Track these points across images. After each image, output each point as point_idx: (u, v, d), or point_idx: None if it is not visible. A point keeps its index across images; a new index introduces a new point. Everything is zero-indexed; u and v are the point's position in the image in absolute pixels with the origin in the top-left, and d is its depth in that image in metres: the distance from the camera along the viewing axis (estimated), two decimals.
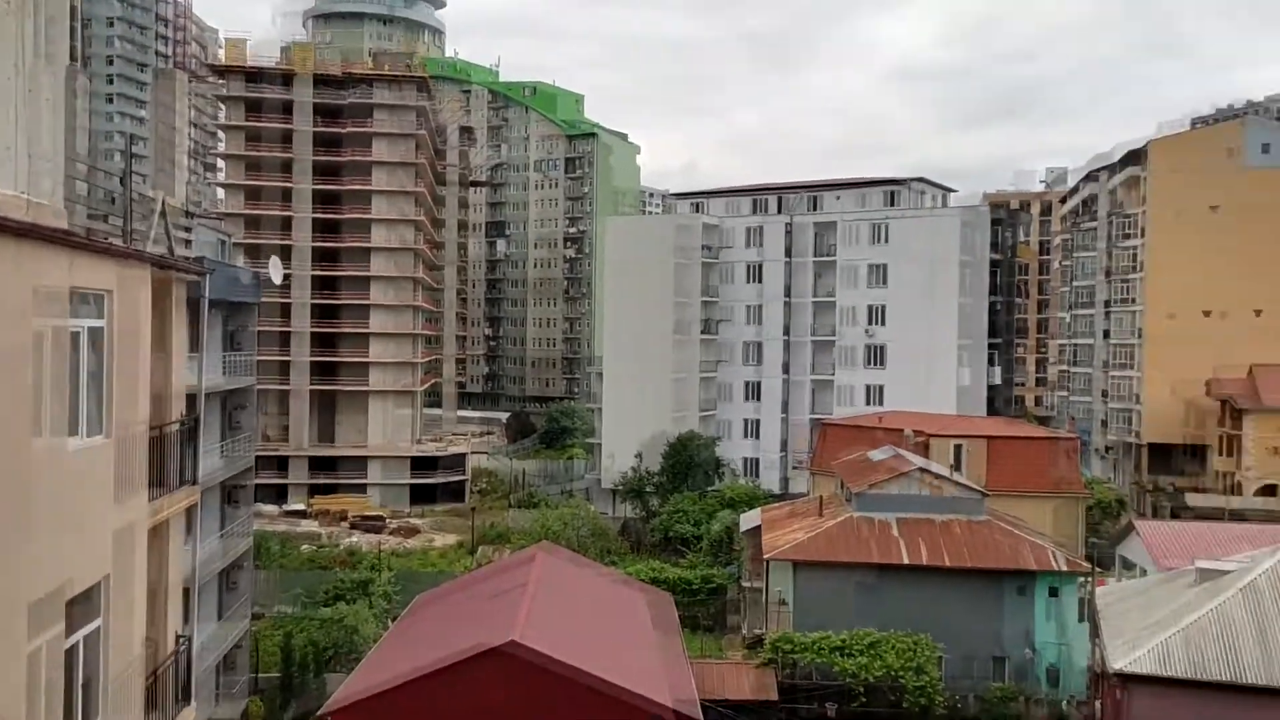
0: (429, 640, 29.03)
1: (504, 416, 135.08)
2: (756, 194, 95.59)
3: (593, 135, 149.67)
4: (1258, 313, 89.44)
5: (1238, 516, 62.39)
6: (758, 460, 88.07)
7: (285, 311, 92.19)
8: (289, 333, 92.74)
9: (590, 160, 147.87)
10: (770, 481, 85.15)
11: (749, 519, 53.30)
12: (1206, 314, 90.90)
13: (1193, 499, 74.13)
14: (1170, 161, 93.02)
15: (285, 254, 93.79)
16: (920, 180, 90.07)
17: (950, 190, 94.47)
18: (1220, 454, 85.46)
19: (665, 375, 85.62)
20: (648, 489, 76.36)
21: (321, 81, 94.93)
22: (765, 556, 44.25)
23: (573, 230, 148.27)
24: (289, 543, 67.80)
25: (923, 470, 46.58)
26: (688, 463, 76.76)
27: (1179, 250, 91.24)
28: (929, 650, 38.70)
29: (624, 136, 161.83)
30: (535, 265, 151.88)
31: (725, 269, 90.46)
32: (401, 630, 32.60)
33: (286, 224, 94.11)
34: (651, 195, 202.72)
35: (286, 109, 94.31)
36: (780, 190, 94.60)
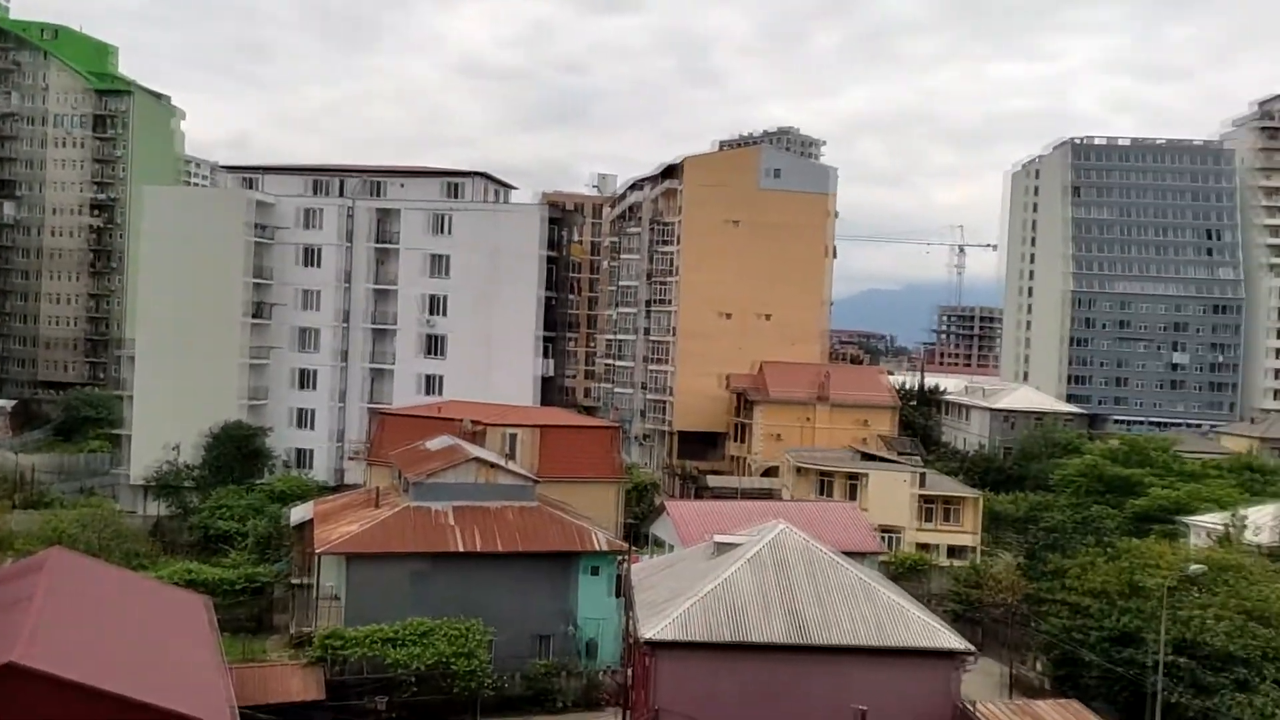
0: None
1: (8, 404, 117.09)
2: (316, 174, 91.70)
3: (128, 93, 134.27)
4: (767, 316, 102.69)
5: (747, 495, 71.27)
6: (311, 451, 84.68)
7: None
8: None
9: (125, 121, 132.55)
10: (324, 473, 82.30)
11: (300, 512, 51.10)
12: (728, 316, 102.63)
13: (712, 480, 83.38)
14: (701, 178, 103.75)
15: None
16: (482, 175, 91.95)
17: (511, 187, 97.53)
18: (734, 440, 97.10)
19: (210, 360, 79.38)
20: (186, 484, 70.33)
21: None
22: (316, 551, 42.70)
23: (101, 197, 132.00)
24: None
25: (478, 459, 47.61)
26: (232, 455, 71.87)
27: (707, 258, 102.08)
28: (480, 635, 39.67)
29: (166, 99, 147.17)
30: (52, 233, 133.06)
31: (280, 250, 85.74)
32: None
33: None
34: (198, 166, 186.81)
35: None
36: (342, 172, 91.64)
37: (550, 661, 42.09)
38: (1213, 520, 53.19)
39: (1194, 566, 38.81)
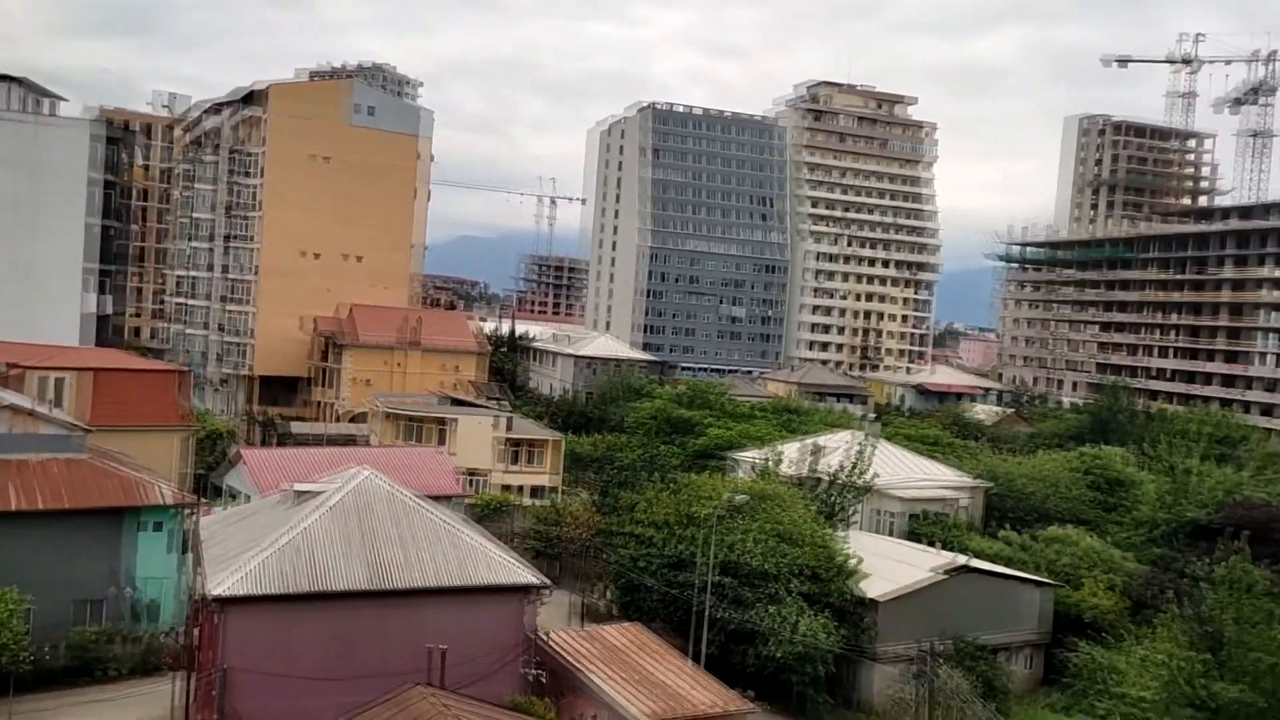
0: None
1: None
2: None
3: None
4: (359, 258, 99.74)
5: (332, 441, 69.17)
6: None
7: None
8: None
9: None
10: None
11: None
12: (316, 256, 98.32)
13: (296, 427, 79.79)
14: (288, 108, 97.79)
15: None
16: (19, 81, 79.37)
17: (59, 98, 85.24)
18: (320, 385, 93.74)
19: None
20: None
21: None
22: None
23: None
24: None
25: (11, 407, 41.65)
26: None
27: (294, 193, 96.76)
28: (13, 604, 35.03)
29: None
30: None
31: None
32: None
33: None
34: None
35: None
36: None
37: (101, 628, 38.25)
38: (755, 455, 60.18)
39: (738, 497, 43.71)
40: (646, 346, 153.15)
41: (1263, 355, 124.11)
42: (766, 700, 38.18)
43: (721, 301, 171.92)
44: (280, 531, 31.52)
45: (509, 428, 72.01)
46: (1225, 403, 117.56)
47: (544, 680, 32.84)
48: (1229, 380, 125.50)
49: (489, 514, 59.14)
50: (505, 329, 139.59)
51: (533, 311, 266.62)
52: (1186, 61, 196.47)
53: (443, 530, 33.39)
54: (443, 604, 31.17)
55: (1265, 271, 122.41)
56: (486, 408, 76.50)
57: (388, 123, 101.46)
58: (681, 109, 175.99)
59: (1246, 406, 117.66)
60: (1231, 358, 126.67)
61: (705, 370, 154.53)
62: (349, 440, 72.02)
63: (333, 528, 31.98)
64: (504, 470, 70.01)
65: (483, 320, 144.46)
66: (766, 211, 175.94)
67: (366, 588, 30.43)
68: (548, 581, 34.06)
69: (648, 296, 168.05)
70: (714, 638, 39.48)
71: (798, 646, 38.22)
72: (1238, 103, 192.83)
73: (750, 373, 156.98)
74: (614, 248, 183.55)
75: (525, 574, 33.05)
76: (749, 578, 40.48)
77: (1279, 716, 30.21)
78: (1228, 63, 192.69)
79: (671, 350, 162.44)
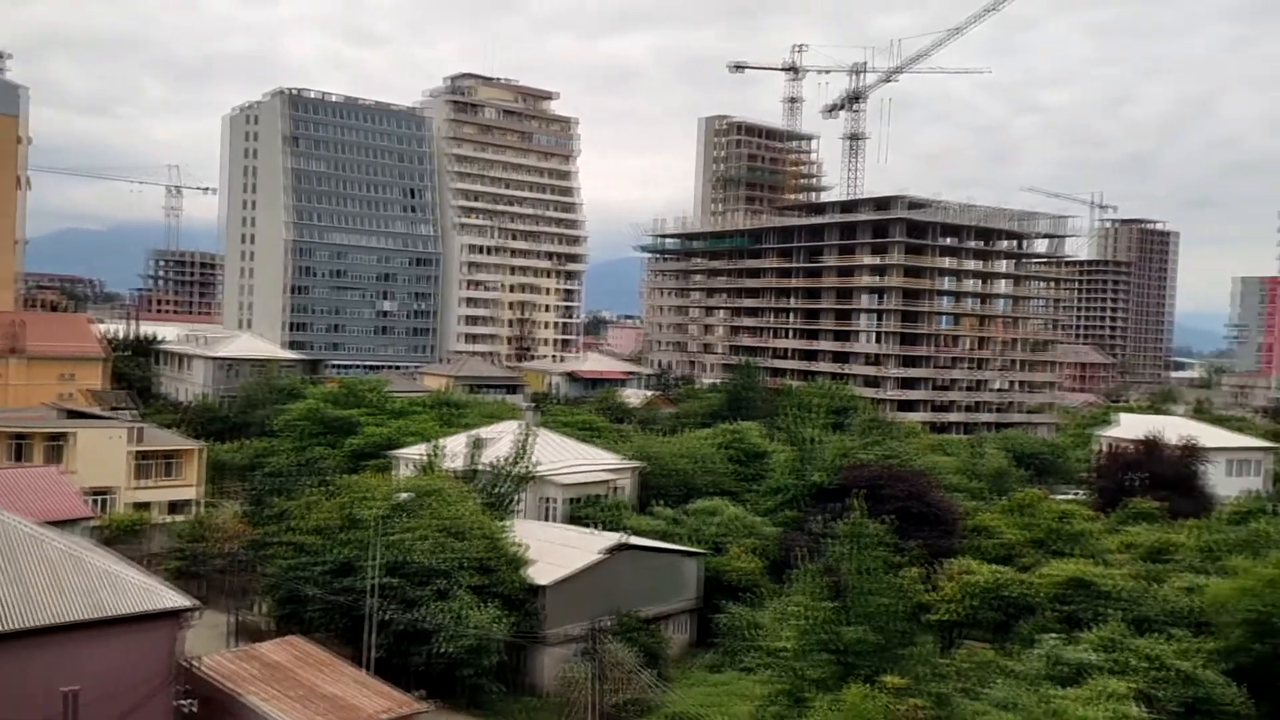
0: None
1: None
2: None
3: None
4: None
5: None
6: None
7: None
8: None
9: None
10: None
11: None
12: None
13: None
14: None
15: None
16: None
17: None
18: None
19: None
20: None
21: None
22: None
23: None
24: None
25: None
26: None
27: None
28: None
29: None
30: None
31: None
32: None
33: None
34: None
35: None
36: None
37: None
38: (417, 451, 59.15)
39: (402, 495, 42.80)
40: (294, 345, 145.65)
41: (862, 334, 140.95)
42: (440, 697, 37.77)
43: (371, 296, 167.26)
44: None
45: (139, 439, 65.53)
46: (836, 376, 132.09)
47: (194, 710, 30.32)
48: (838, 356, 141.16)
49: (121, 535, 53.65)
50: (129, 331, 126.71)
51: (160, 311, 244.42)
52: (793, 70, 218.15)
53: (64, 559, 29.77)
54: (73, 642, 27.81)
55: (863, 259, 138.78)
56: (111, 418, 69.07)
57: None
58: (322, 95, 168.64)
59: (849, 379, 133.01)
60: (840, 336, 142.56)
61: (358, 367, 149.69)
62: None
63: None
64: (135, 486, 63.66)
65: (100, 322, 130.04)
66: (415, 203, 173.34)
67: None
68: (195, 602, 31.44)
69: (293, 293, 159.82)
70: (384, 641, 38.46)
71: (468, 640, 38.16)
72: (835, 109, 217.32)
73: (403, 368, 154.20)
74: (253, 241, 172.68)
75: (166, 597, 30.29)
76: (417, 576, 39.81)
77: (893, 650, 34.51)
78: (825, 72, 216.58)
79: (321, 348, 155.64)
